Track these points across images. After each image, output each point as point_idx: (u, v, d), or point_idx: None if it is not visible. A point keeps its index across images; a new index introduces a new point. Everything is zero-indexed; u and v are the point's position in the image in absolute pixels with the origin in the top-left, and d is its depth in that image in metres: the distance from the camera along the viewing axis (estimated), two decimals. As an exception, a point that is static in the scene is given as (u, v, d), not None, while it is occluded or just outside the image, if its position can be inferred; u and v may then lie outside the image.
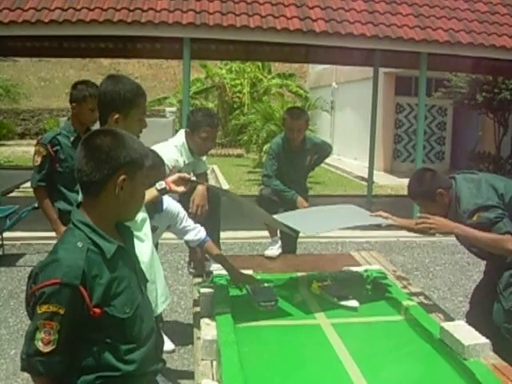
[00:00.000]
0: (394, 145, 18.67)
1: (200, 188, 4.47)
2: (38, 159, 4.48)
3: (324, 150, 5.56)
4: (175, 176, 3.17)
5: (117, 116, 2.93)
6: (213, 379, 2.53)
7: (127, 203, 2.04)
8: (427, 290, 6.10)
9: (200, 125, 4.55)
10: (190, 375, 3.10)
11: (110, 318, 1.94)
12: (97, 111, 3.08)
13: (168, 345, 4.59)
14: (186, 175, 3.25)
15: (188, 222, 3.78)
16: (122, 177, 1.97)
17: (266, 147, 15.07)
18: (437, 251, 8.29)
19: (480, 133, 17.75)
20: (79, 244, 1.92)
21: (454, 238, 3.69)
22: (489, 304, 3.62)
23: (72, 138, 4.54)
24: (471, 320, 3.52)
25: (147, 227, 3.09)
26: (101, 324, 1.93)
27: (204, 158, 4.97)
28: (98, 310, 1.91)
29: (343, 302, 3.46)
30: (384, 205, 12.33)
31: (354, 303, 3.45)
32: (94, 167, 1.95)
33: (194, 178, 3.32)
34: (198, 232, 3.75)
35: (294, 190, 5.22)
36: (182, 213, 3.80)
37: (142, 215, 3.05)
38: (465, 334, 2.82)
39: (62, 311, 1.86)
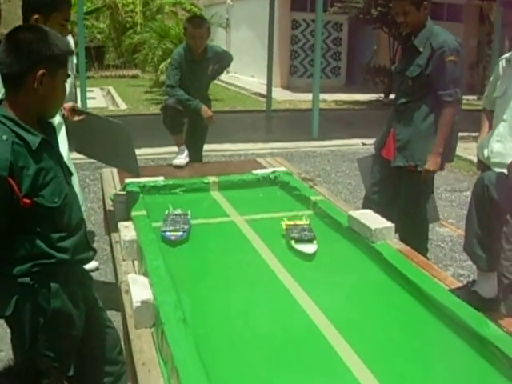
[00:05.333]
0: (291, 61, 18.78)
1: None
2: None
3: (225, 58, 5.55)
4: (70, 104, 3.11)
5: (36, 16, 2.93)
6: (136, 276, 2.58)
7: (47, 99, 2.04)
8: (330, 195, 6.35)
9: None
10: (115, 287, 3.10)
11: (39, 208, 1.97)
12: None
13: (91, 263, 4.58)
14: (77, 106, 3.25)
15: None
16: (42, 71, 1.97)
17: (162, 66, 14.82)
18: (337, 159, 8.56)
19: (375, 47, 18.10)
20: (4, 137, 1.91)
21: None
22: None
23: None
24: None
25: (63, 131, 3.11)
26: (31, 214, 1.97)
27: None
28: (27, 201, 1.93)
29: (299, 247, 3.02)
30: (283, 119, 12.63)
31: (310, 248, 3.01)
32: (15, 60, 1.96)
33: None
34: None
35: (198, 99, 5.22)
36: None
37: (58, 119, 3.07)
38: (371, 219, 3.01)
39: None
